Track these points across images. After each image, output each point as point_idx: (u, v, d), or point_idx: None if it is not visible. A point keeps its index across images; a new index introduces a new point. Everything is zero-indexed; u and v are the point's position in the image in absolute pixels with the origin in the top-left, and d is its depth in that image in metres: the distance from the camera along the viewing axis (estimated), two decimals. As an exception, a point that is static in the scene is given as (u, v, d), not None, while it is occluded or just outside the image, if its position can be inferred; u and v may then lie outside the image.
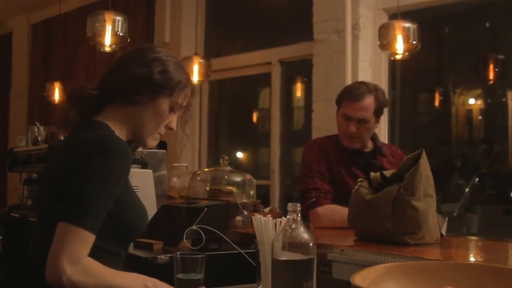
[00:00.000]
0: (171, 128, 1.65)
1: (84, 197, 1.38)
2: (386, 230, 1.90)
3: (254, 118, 5.24)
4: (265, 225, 1.59)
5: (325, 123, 3.66)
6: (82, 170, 1.40)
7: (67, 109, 1.59)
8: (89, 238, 1.37)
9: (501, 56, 4.05)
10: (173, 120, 1.65)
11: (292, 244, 1.36)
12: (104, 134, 1.50)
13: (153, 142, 1.66)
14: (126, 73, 1.56)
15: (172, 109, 1.61)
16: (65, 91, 5.15)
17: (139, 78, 1.55)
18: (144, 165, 2.49)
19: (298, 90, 4.78)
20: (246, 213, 2.46)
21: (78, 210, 1.37)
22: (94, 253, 1.42)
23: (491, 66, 4.06)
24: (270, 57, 4.57)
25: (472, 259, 1.86)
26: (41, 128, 3.82)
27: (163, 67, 1.57)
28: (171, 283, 1.51)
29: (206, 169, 3.15)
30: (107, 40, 3.36)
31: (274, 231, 1.57)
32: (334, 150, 2.62)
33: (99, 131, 1.52)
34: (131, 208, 1.52)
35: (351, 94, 2.56)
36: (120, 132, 1.57)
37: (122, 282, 1.41)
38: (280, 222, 1.57)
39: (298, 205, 1.40)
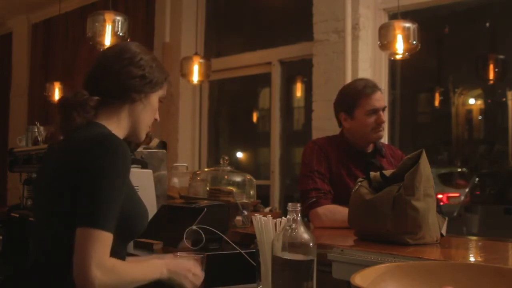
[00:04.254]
0: (156, 119, 1.73)
1: (96, 199, 1.39)
2: (386, 230, 1.90)
3: (254, 118, 5.25)
4: (265, 225, 1.59)
5: (325, 123, 3.66)
6: (88, 173, 1.41)
7: (61, 118, 1.58)
8: (109, 238, 1.38)
9: (501, 56, 4.06)
10: (157, 112, 1.73)
11: (292, 244, 1.36)
12: (102, 132, 1.52)
13: (144, 135, 1.73)
14: (121, 74, 1.59)
15: (160, 102, 1.70)
16: (65, 91, 5.15)
17: (135, 77, 1.60)
18: (144, 165, 2.49)
19: (298, 90, 4.79)
20: (246, 213, 2.46)
21: (93, 213, 1.38)
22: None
23: (491, 66, 4.06)
24: (270, 57, 4.57)
25: (472, 259, 1.86)
26: (41, 128, 3.81)
27: (154, 63, 1.66)
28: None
29: (206, 169, 3.15)
30: (107, 40, 3.37)
31: (274, 231, 1.57)
32: (334, 150, 2.62)
33: (96, 129, 1.54)
34: (131, 206, 1.52)
35: (367, 88, 2.56)
36: (117, 131, 1.59)
37: (143, 274, 1.46)
38: (280, 222, 1.57)
39: (298, 205, 1.40)
